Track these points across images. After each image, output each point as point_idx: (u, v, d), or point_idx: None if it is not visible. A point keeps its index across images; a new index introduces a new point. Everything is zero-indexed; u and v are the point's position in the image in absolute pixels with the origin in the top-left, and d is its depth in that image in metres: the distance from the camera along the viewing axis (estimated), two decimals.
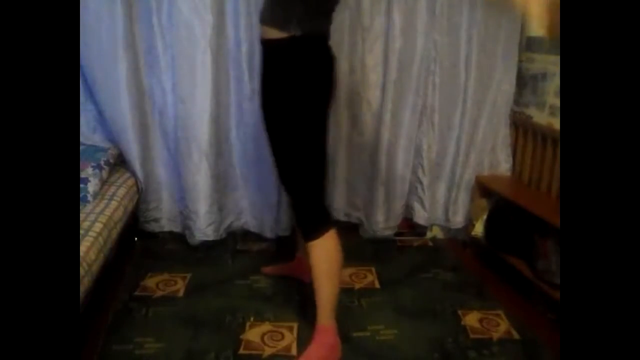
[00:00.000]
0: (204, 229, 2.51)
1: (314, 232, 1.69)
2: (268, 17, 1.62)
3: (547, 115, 2.36)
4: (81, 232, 1.78)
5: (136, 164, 2.48)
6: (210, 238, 2.54)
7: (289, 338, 1.90)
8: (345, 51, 2.46)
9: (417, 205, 2.74)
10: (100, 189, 2.21)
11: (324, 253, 1.70)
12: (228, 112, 2.46)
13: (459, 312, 2.10)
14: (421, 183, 2.70)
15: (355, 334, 1.92)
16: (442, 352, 1.84)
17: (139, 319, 1.98)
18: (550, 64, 2.34)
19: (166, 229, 2.66)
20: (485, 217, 2.49)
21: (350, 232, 2.75)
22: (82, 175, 2.14)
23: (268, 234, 2.63)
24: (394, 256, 2.61)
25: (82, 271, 1.58)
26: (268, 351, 1.82)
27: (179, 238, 2.64)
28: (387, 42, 2.45)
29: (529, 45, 2.50)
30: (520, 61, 2.54)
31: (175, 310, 2.05)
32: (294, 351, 1.83)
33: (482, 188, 2.62)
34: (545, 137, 2.37)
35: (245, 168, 2.55)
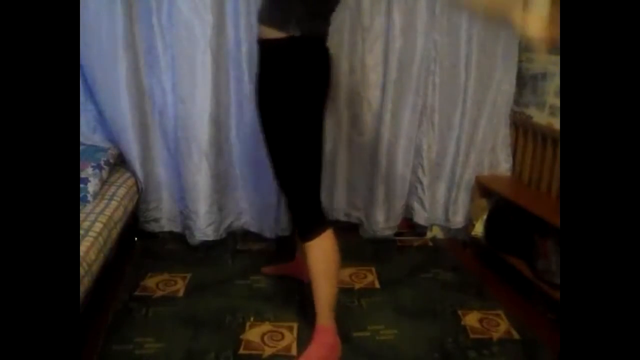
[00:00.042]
0: (204, 229, 2.51)
1: (311, 232, 1.69)
2: (267, 17, 1.62)
3: (547, 115, 2.36)
4: (81, 232, 1.78)
5: (136, 164, 2.48)
6: (210, 238, 2.54)
7: (289, 338, 1.90)
8: (345, 51, 2.46)
9: (417, 205, 2.74)
10: (100, 189, 2.21)
11: (321, 253, 1.70)
12: (228, 112, 2.46)
13: (459, 312, 2.10)
14: (421, 183, 2.70)
15: (355, 334, 1.92)
16: (442, 352, 1.84)
17: (139, 319, 1.98)
18: (550, 64, 2.34)
19: (166, 229, 2.66)
20: (485, 217, 2.49)
21: (350, 232, 2.75)
22: (82, 175, 2.14)
23: (268, 234, 2.63)
24: (394, 256, 2.61)
25: (82, 271, 1.58)
26: (268, 351, 1.82)
27: (179, 238, 2.64)
28: (387, 42, 2.45)
29: (529, 45, 2.50)
30: (520, 61, 2.54)
31: (175, 310, 2.05)
32: (294, 351, 1.83)
33: (482, 188, 2.62)
34: (545, 137, 2.37)
35: (245, 168, 2.55)
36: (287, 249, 2.45)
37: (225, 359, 1.77)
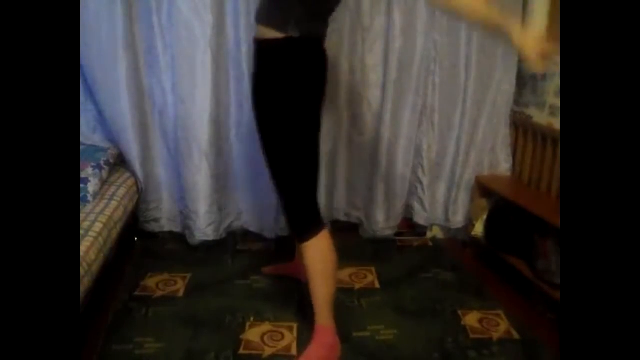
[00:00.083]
0: (204, 229, 2.51)
1: (307, 232, 1.68)
2: (265, 17, 1.61)
3: (547, 115, 2.36)
4: (81, 232, 1.78)
5: (136, 164, 2.48)
6: (210, 238, 2.54)
7: (289, 338, 1.90)
8: (345, 51, 2.46)
9: (417, 205, 2.74)
10: (100, 189, 2.21)
11: (318, 254, 1.70)
12: (228, 112, 2.46)
13: (459, 312, 2.10)
14: (421, 183, 2.70)
15: (355, 334, 1.92)
16: (442, 352, 1.84)
17: (139, 319, 1.98)
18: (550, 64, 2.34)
19: (166, 229, 2.66)
20: (485, 217, 2.49)
21: (350, 232, 2.75)
22: (82, 175, 2.14)
23: (268, 234, 2.63)
24: (394, 256, 2.60)
25: (82, 271, 1.58)
26: (268, 351, 1.82)
27: (179, 238, 2.64)
28: (387, 42, 2.45)
29: (525, 62, 2.50)
30: (520, 61, 2.54)
31: (175, 310, 2.05)
32: (294, 351, 1.83)
33: (482, 188, 2.62)
34: (545, 137, 2.37)
35: (245, 168, 2.55)
36: (286, 249, 2.45)
37: (225, 359, 1.77)
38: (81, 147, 2.31)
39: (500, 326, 2.01)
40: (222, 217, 2.58)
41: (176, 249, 2.59)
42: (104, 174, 2.27)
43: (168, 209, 2.63)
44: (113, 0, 2.23)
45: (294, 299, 2.13)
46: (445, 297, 2.20)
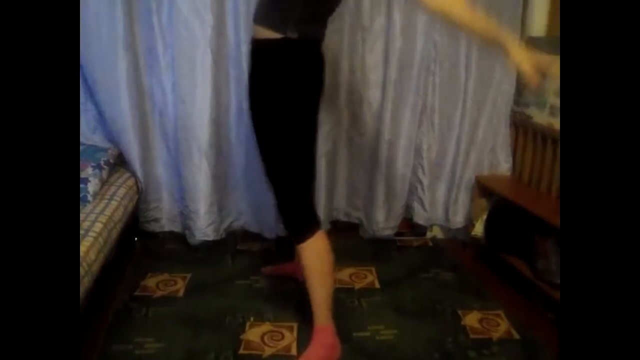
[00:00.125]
0: (204, 229, 2.51)
1: (302, 234, 1.68)
2: (263, 17, 1.60)
3: (547, 115, 2.36)
4: (81, 232, 1.78)
5: (136, 164, 2.47)
6: (210, 238, 2.54)
7: (289, 338, 1.90)
8: (345, 51, 2.46)
9: (417, 205, 2.74)
10: (100, 189, 2.21)
11: (314, 254, 1.70)
12: (228, 112, 2.46)
13: (459, 312, 2.10)
14: (421, 183, 2.70)
15: (355, 334, 1.92)
16: (442, 352, 1.84)
17: (139, 319, 1.98)
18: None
19: (166, 229, 2.66)
20: (485, 217, 2.49)
21: (350, 232, 2.75)
22: (82, 175, 2.14)
23: (268, 234, 2.63)
24: (394, 256, 2.60)
25: (82, 271, 1.58)
26: (268, 351, 1.82)
27: (179, 238, 2.63)
28: (387, 42, 2.45)
29: (529, 45, 2.50)
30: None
31: (175, 310, 2.05)
32: (294, 351, 1.83)
33: (482, 188, 2.62)
34: (545, 137, 2.37)
35: (245, 168, 2.55)
36: (286, 249, 2.45)
37: (225, 359, 1.77)
38: (81, 147, 2.31)
39: (500, 326, 2.01)
40: (222, 217, 2.58)
41: (176, 249, 2.59)
42: (104, 174, 2.27)
43: (168, 209, 2.63)
44: (113, 0, 2.23)
45: (294, 299, 2.13)
46: (445, 297, 2.20)
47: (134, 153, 2.46)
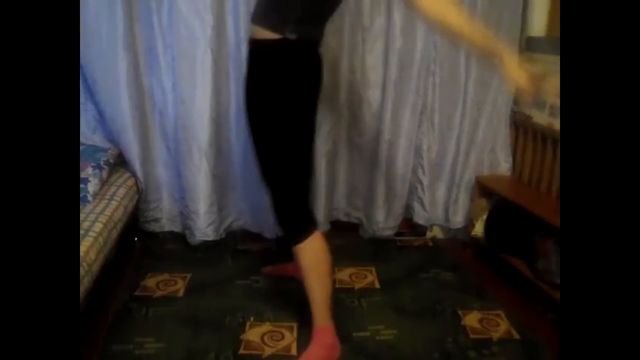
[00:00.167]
0: (204, 229, 2.51)
1: (298, 235, 1.68)
2: (262, 18, 1.59)
3: (547, 115, 2.36)
4: (81, 232, 1.78)
5: (136, 164, 2.47)
6: (210, 238, 2.54)
7: (289, 338, 1.90)
8: (345, 51, 2.46)
9: (417, 205, 2.74)
10: (100, 189, 2.21)
11: (311, 255, 1.70)
12: (228, 112, 2.46)
13: (459, 312, 2.10)
14: (421, 183, 2.70)
15: (355, 334, 1.92)
16: (442, 352, 1.84)
17: (139, 319, 1.98)
18: (550, 64, 2.33)
19: (166, 229, 2.66)
20: (485, 217, 2.49)
21: (350, 232, 2.75)
22: (82, 175, 2.14)
23: (268, 234, 2.63)
24: (394, 256, 2.60)
25: (82, 271, 1.58)
26: (268, 351, 1.82)
27: (179, 238, 2.63)
28: (387, 42, 2.45)
29: (529, 45, 2.50)
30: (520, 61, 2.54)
31: (175, 310, 2.05)
32: (293, 351, 1.83)
33: (482, 188, 2.62)
34: (545, 137, 2.37)
35: (245, 168, 2.55)
36: (286, 249, 2.44)
37: (225, 359, 1.77)
38: (81, 147, 2.31)
39: (500, 326, 2.01)
40: (222, 217, 2.58)
41: (176, 249, 2.59)
42: (104, 174, 2.27)
43: (168, 209, 2.63)
44: (113, 0, 2.23)
45: (294, 299, 2.13)
46: (445, 297, 2.20)
47: (134, 153, 2.46)
